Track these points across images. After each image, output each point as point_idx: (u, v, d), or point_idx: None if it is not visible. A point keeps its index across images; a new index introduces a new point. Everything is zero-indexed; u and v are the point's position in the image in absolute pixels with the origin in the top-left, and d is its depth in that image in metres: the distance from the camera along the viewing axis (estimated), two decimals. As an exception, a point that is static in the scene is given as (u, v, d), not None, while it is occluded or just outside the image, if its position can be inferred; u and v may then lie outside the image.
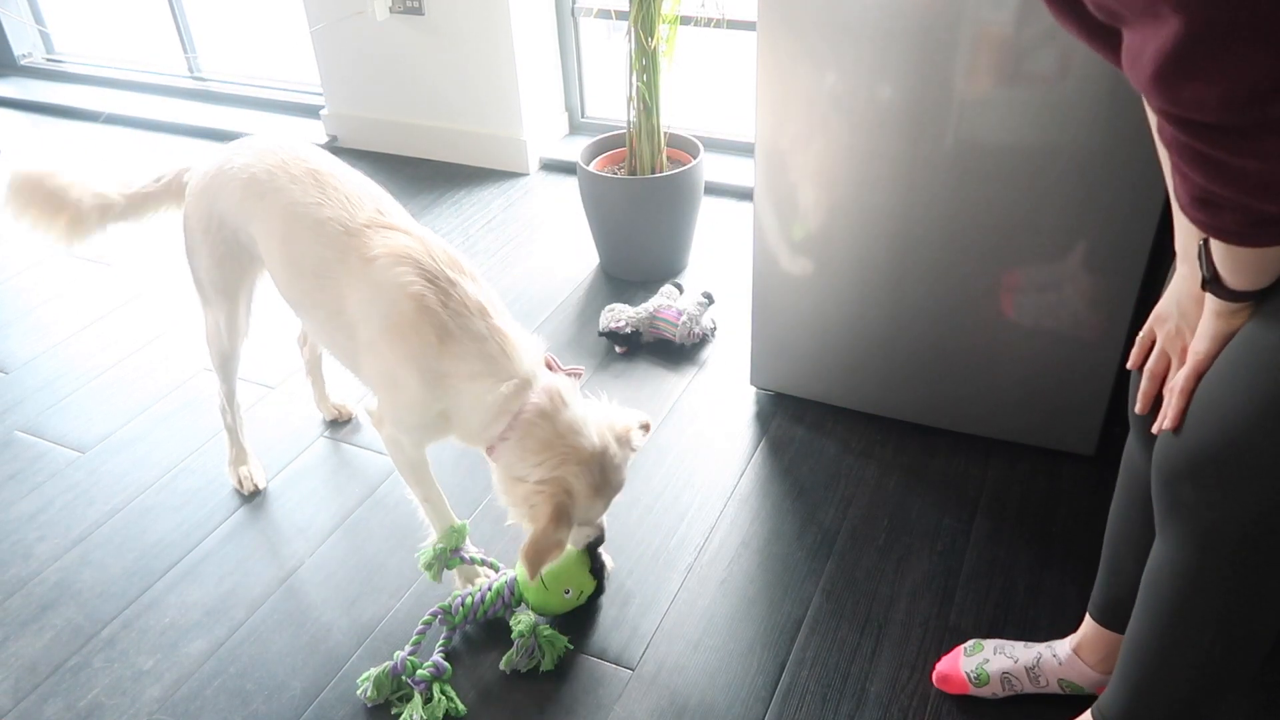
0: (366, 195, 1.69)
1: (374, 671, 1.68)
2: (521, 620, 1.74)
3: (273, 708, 1.70)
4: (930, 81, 1.78)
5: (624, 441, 1.64)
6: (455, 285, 1.56)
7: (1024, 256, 1.88)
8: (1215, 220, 0.88)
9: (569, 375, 1.64)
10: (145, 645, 1.82)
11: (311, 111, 3.92)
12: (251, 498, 2.14)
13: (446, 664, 1.70)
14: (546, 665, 1.72)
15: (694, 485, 2.12)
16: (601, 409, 1.66)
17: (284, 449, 2.29)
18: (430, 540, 1.85)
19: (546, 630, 1.74)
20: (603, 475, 1.59)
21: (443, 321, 1.53)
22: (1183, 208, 0.90)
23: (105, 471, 2.24)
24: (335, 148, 3.73)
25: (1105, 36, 0.98)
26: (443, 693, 1.65)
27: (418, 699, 1.64)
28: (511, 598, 1.80)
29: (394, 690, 1.68)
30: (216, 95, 4.20)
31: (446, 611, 1.77)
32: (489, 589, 1.80)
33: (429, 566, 1.82)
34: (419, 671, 1.67)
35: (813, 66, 1.85)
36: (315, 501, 2.13)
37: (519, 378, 1.55)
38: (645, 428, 1.72)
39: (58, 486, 2.20)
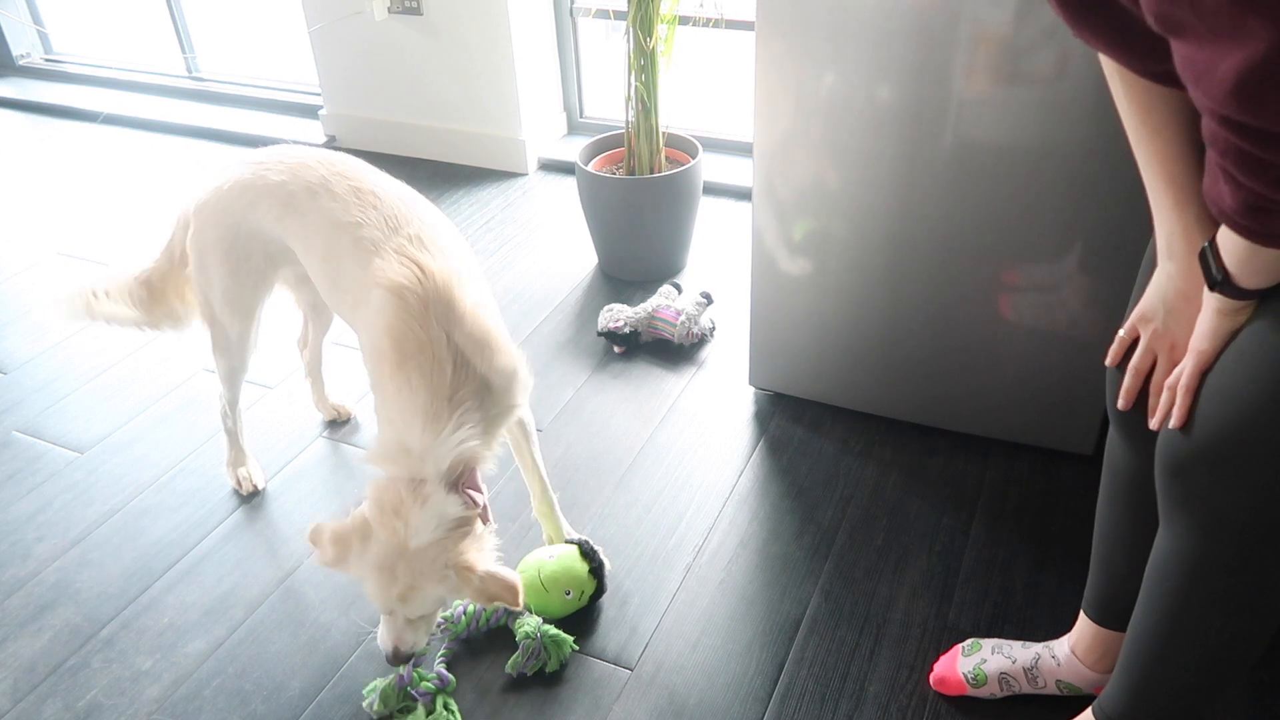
0: (405, 218, 1.64)
1: (380, 683, 1.67)
2: (526, 623, 1.73)
3: (271, 708, 1.70)
4: (928, 81, 1.78)
5: (455, 567, 1.48)
6: (433, 343, 1.48)
7: (1022, 256, 1.89)
8: (1266, 226, 0.89)
9: (466, 498, 1.49)
10: (144, 645, 1.82)
11: (310, 111, 3.92)
12: (250, 498, 2.14)
13: (450, 675, 1.69)
14: (552, 666, 1.72)
15: (692, 485, 2.12)
16: (473, 541, 1.51)
17: (283, 449, 2.29)
18: None
19: (551, 631, 1.74)
20: (392, 566, 1.47)
21: (400, 365, 1.48)
22: (1226, 213, 0.90)
23: (104, 472, 2.24)
24: (334, 148, 3.71)
25: (1127, 45, 0.98)
26: (445, 706, 1.65)
27: (420, 711, 1.63)
28: None
29: (399, 702, 1.67)
30: (215, 95, 4.19)
31: (449, 621, 1.76)
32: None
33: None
34: (423, 684, 1.66)
35: (811, 66, 1.85)
36: (314, 501, 2.13)
37: (408, 452, 1.47)
38: (511, 591, 1.50)
39: (56, 487, 2.20)
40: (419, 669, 1.69)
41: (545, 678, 1.72)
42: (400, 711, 1.66)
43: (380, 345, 1.53)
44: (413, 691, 1.66)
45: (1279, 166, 0.81)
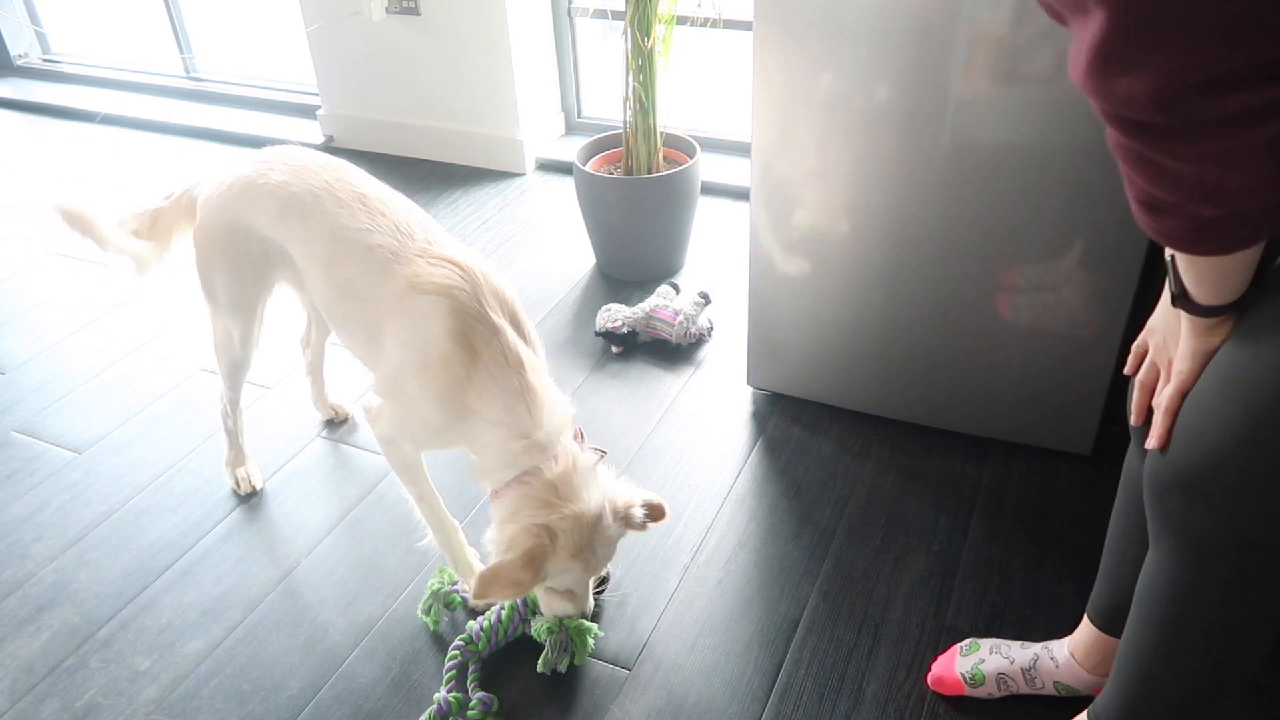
0: (417, 224, 1.67)
1: (421, 718, 1.65)
2: (546, 620, 1.71)
3: (269, 708, 1.70)
4: (926, 81, 1.78)
5: (623, 517, 1.59)
6: (498, 332, 1.54)
7: (1020, 256, 1.89)
8: (1161, 226, 0.86)
9: (593, 451, 1.61)
10: (142, 646, 1.82)
11: (308, 111, 3.91)
12: (248, 498, 2.14)
13: (492, 696, 1.66)
14: (580, 658, 1.71)
15: (690, 485, 2.12)
16: (611, 482, 1.63)
17: (281, 449, 2.28)
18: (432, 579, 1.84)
19: (573, 623, 1.71)
20: (589, 542, 1.53)
21: (475, 364, 1.52)
22: (1134, 213, 0.89)
23: (102, 472, 2.24)
24: (332, 148, 3.73)
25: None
26: None
27: None
28: (527, 610, 1.76)
29: None
30: (213, 95, 4.19)
31: (468, 641, 1.72)
32: (503, 607, 1.75)
33: (427, 612, 1.80)
34: (470, 713, 1.63)
35: (809, 66, 1.85)
36: (312, 501, 2.13)
37: (532, 440, 1.52)
38: (657, 512, 1.65)
39: (54, 487, 2.20)
40: (455, 694, 1.65)
41: (543, 677, 1.71)
42: None
43: (439, 352, 1.53)
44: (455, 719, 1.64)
45: (1153, 160, 0.80)
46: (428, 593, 1.81)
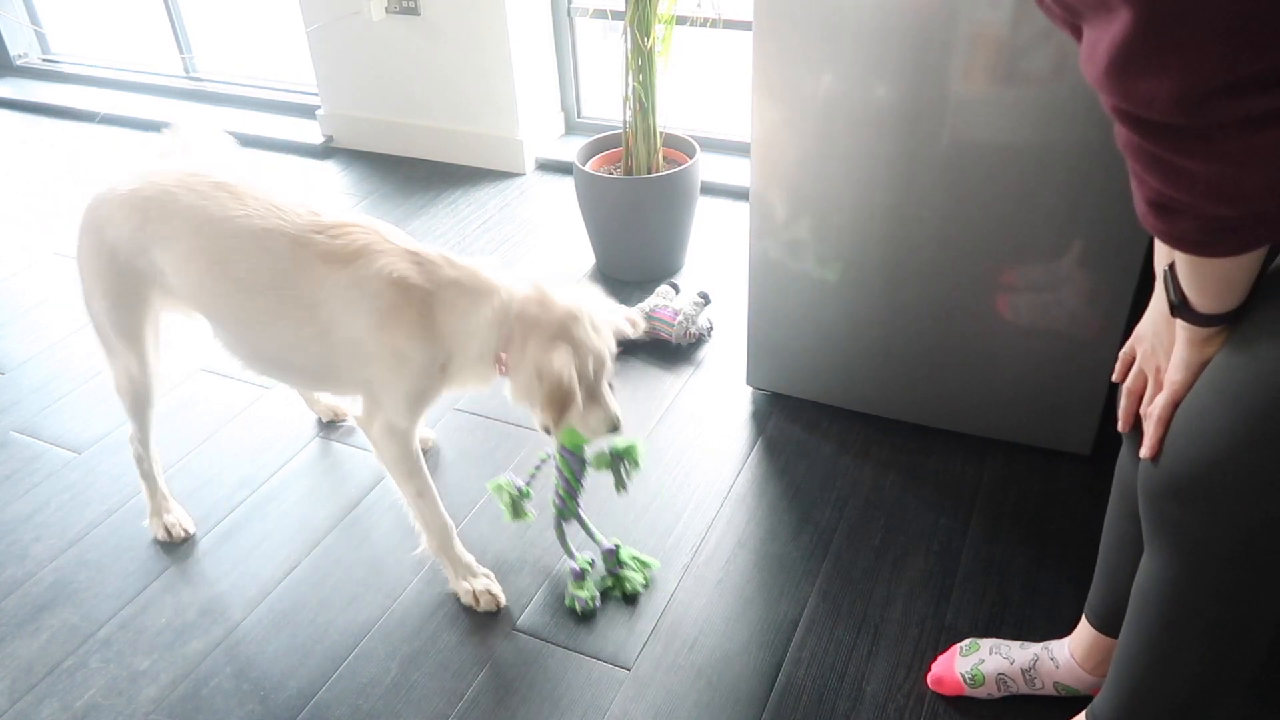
0: (292, 199, 1.67)
1: (570, 586, 1.85)
2: (596, 456, 1.82)
3: (269, 708, 1.70)
4: (926, 81, 1.78)
5: (612, 329, 1.73)
6: (418, 255, 1.63)
7: (1020, 256, 1.89)
8: (1172, 227, 0.86)
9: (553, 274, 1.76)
10: (142, 645, 1.82)
11: (308, 112, 3.91)
12: (246, 499, 2.14)
13: (615, 543, 1.88)
14: (636, 471, 1.83)
15: (690, 485, 2.12)
16: (585, 294, 1.74)
17: (281, 449, 2.28)
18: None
19: (617, 447, 1.82)
20: (595, 332, 1.66)
21: (423, 288, 1.60)
22: (1141, 215, 0.88)
23: (101, 472, 2.24)
24: (331, 148, 3.72)
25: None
26: (628, 564, 1.87)
27: (619, 576, 1.86)
28: (573, 455, 1.81)
29: (594, 592, 1.85)
30: (213, 95, 4.19)
31: (560, 513, 1.86)
32: (559, 468, 1.83)
33: (516, 513, 1.92)
34: (613, 559, 1.86)
35: (808, 66, 1.85)
36: (312, 502, 2.13)
37: (497, 298, 1.63)
38: (633, 323, 1.84)
39: (54, 487, 2.20)
40: (581, 557, 1.87)
41: (541, 677, 1.72)
42: (614, 582, 1.87)
43: (389, 301, 1.59)
44: (609, 569, 1.87)
45: (1169, 160, 0.79)
46: (505, 507, 1.92)
